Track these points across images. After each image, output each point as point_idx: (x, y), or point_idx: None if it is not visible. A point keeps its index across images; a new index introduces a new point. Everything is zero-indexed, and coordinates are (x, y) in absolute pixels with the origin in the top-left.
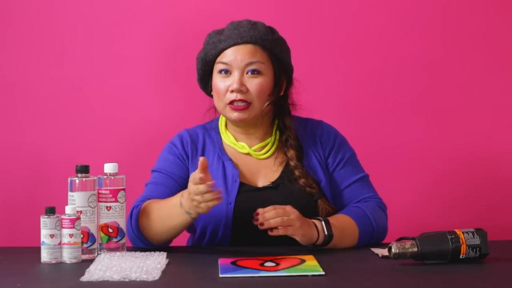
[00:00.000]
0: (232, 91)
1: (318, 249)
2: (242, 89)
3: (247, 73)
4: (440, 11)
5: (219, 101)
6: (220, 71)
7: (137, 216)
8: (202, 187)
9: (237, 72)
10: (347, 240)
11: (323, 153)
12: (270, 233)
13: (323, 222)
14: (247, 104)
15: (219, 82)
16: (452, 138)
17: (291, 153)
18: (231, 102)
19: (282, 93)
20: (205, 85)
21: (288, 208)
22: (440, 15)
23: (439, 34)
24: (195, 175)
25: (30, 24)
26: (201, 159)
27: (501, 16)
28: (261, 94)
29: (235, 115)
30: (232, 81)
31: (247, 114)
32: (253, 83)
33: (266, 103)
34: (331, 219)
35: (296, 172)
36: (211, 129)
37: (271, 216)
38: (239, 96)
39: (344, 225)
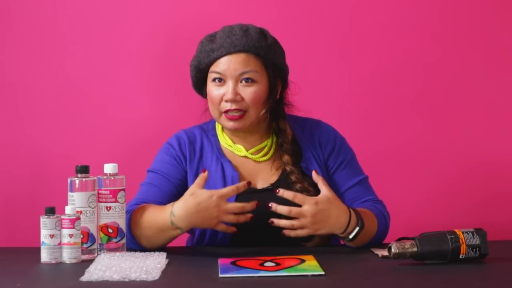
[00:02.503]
0: (226, 101)
1: (318, 249)
2: (236, 98)
3: (241, 81)
4: (437, 12)
5: (214, 109)
6: (214, 80)
7: (129, 221)
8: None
9: (231, 82)
10: (361, 242)
11: (323, 155)
12: (282, 233)
13: (359, 221)
14: (243, 112)
15: (213, 90)
16: (452, 138)
17: (286, 158)
18: (226, 112)
19: (278, 96)
20: (200, 90)
21: (305, 209)
22: (437, 16)
23: (437, 35)
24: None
25: (30, 24)
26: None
27: (499, 17)
28: (256, 102)
29: (230, 124)
30: (226, 90)
31: (242, 123)
32: (248, 92)
33: (263, 111)
34: (366, 222)
35: (292, 178)
36: (208, 131)
37: (282, 212)
38: (234, 106)
39: (368, 229)
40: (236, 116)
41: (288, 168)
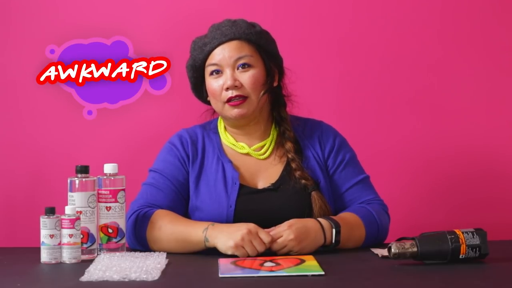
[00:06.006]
0: (227, 89)
1: (318, 249)
2: (236, 84)
3: (237, 68)
4: (437, 10)
5: (216, 102)
6: (212, 73)
7: (143, 224)
8: (268, 238)
9: (228, 70)
10: (353, 241)
11: (322, 154)
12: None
13: (331, 223)
14: (244, 98)
15: (212, 83)
16: (452, 138)
17: (289, 145)
18: (228, 100)
19: (276, 84)
20: (199, 93)
21: (285, 236)
22: (437, 15)
23: (437, 34)
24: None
25: (30, 24)
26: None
27: (498, 16)
28: (256, 86)
29: (234, 111)
30: (225, 79)
31: (246, 108)
32: (246, 77)
33: (262, 93)
34: (340, 221)
35: (293, 165)
36: (209, 129)
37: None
38: (235, 93)
39: (352, 226)
40: (239, 101)
41: (290, 155)
